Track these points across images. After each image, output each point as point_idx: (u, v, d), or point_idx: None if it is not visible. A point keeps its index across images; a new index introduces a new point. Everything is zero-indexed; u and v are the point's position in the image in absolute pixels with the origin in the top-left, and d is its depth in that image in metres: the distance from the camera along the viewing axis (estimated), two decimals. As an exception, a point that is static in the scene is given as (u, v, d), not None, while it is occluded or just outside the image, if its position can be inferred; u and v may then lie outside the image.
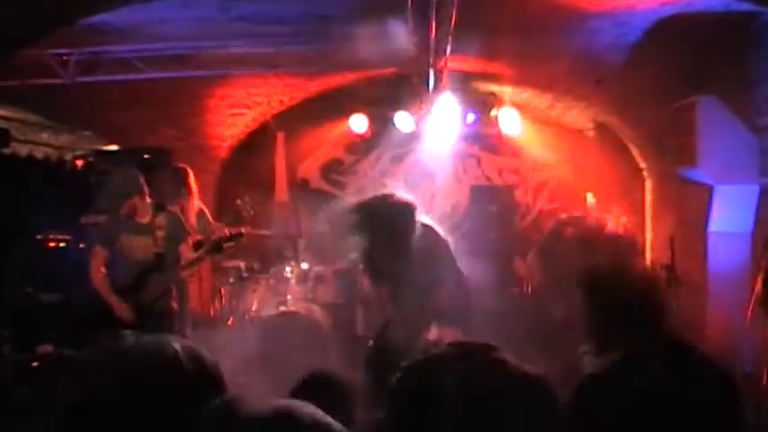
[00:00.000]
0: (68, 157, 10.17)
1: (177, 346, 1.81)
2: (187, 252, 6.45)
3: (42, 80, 8.07)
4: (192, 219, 7.54)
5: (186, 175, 7.66)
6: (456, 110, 10.15)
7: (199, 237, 7.29)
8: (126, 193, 6.20)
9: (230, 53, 8.35)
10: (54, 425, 1.69)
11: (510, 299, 9.02)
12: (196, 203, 7.72)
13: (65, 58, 8.07)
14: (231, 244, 6.62)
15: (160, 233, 6.29)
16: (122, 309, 6.14)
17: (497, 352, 1.64)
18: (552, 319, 6.23)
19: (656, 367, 2.23)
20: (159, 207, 6.39)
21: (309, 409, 1.63)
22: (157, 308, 6.27)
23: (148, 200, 6.33)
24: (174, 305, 6.49)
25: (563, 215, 7.40)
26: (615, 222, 7.16)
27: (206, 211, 7.82)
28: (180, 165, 7.88)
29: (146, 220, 6.31)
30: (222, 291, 9.43)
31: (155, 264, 6.27)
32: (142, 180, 6.30)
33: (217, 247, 6.49)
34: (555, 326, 6.15)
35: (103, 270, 6.26)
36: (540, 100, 10.79)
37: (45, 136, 10.21)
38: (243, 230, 6.91)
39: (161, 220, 6.34)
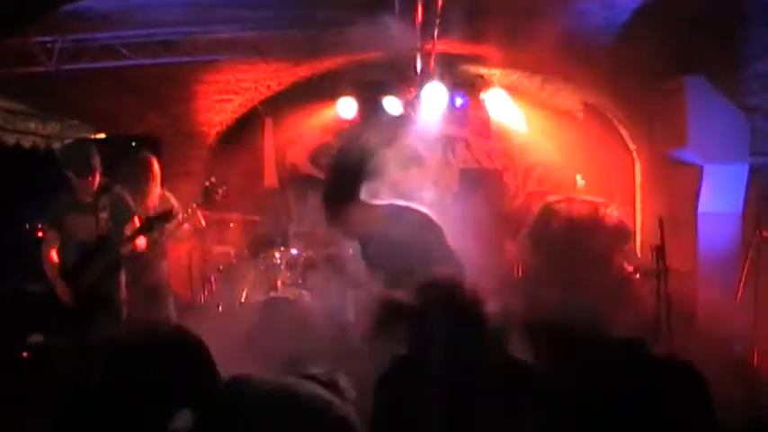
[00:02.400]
0: (56, 145, 10.11)
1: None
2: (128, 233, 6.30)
3: (27, 68, 8.00)
4: (152, 203, 7.36)
5: (148, 163, 7.51)
6: (444, 93, 10.13)
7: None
8: (74, 169, 6.07)
9: (217, 38, 8.32)
10: (47, 415, 1.68)
11: (503, 282, 9.00)
12: (157, 190, 7.53)
13: (49, 45, 8.01)
14: (162, 222, 6.45)
15: (103, 214, 6.17)
16: (63, 291, 6.07)
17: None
18: (544, 303, 6.22)
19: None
20: (104, 188, 6.23)
21: (310, 387, 1.64)
22: (100, 291, 6.19)
23: (97, 178, 6.17)
24: (121, 289, 6.37)
25: (551, 197, 7.38)
26: (604, 205, 7.14)
27: (170, 196, 7.65)
28: (143, 154, 7.68)
29: (89, 199, 6.16)
30: (212, 278, 9.45)
31: (97, 245, 6.17)
32: (93, 157, 6.13)
33: (147, 227, 6.29)
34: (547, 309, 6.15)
35: (54, 252, 6.18)
36: (530, 82, 10.75)
37: (32, 125, 10.14)
38: (173, 210, 6.71)
39: (104, 200, 6.21)
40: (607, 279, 2.49)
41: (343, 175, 5.17)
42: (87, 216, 6.15)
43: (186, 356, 1.68)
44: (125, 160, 7.24)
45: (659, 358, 2.14)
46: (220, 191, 7.45)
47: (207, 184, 7.52)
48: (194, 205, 7.35)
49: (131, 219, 6.37)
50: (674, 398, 1.97)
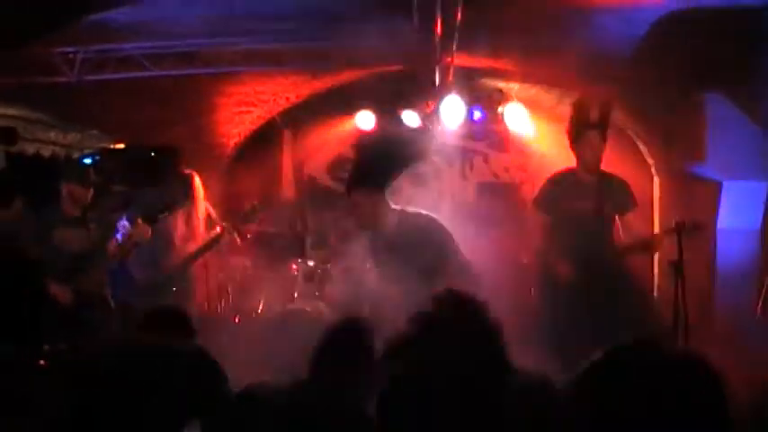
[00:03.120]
0: (75, 155, 10.15)
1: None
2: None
3: (49, 78, 8.06)
4: (198, 225, 7.55)
5: (191, 181, 7.64)
6: (462, 107, 10.12)
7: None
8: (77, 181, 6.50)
9: (236, 50, 8.34)
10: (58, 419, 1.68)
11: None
12: (202, 207, 7.69)
13: (71, 56, 8.05)
14: (212, 246, 7.16)
15: (93, 226, 6.57)
16: (60, 290, 6.25)
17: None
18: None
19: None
20: (93, 203, 6.68)
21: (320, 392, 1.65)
22: (95, 297, 6.51)
23: (90, 191, 6.53)
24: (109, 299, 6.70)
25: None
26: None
27: (212, 213, 7.84)
28: (187, 170, 7.85)
29: (77, 213, 6.52)
30: (229, 288, 9.46)
31: (91, 255, 6.50)
32: (92, 172, 6.56)
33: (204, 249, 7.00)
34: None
35: None
36: (548, 96, 10.72)
37: (52, 134, 10.17)
38: (222, 234, 7.43)
39: (94, 214, 6.62)
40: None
41: (376, 160, 5.25)
42: (77, 229, 6.51)
43: (199, 366, 1.69)
44: (167, 179, 7.69)
45: (676, 357, 2.10)
46: (260, 215, 7.93)
47: (249, 206, 7.75)
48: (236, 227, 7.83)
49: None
50: (690, 396, 1.94)
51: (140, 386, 1.67)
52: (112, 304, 6.70)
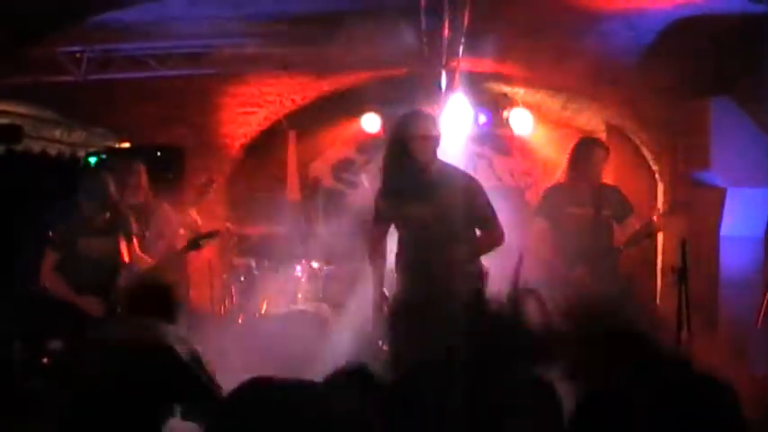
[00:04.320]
0: (81, 154, 10.17)
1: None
2: (130, 248, 6.76)
3: (55, 77, 8.08)
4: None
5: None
6: (468, 110, 10.10)
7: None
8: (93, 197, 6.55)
9: (242, 52, 8.35)
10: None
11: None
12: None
13: (77, 55, 8.07)
14: (204, 240, 7.03)
15: (119, 234, 6.65)
16: (89, 302, 6.40)
17: None
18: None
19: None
20: (115, 209, 6.68)
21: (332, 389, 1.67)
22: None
23: (114, 199, 6.61)
24: None
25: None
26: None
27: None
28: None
29: (101, 221, 6.59)
30: (233, 289, 9.43)
31: (117, 263, 6.64)
32: (110, 186, 6.58)
33: (192, 245, 6.94)
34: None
35: (54, 272, 6.55)
36: (553, 101, 10.72)
37: (58, 133, 10.20)
38: (217, 230, 7.49)
39: (118, 221, 6.69)
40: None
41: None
42: (101, 238, 6.58)
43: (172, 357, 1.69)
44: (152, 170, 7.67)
45: (699, 376, 2.13)
46: (214, 185, 7.92)
47: (205, 179, 7.96)
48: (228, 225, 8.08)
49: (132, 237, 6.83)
50: (712, 417, 1.96)
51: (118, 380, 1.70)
52: None
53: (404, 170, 5.41)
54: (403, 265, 5.72)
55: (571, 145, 7.30)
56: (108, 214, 6.61)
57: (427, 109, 10.54)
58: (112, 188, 6.58)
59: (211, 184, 7.90)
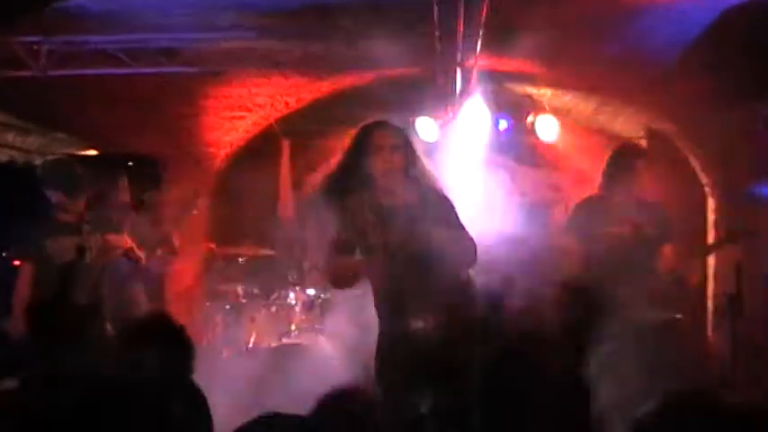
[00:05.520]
0: (38, 161, 10.11)
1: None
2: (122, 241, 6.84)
3: (9, 72, 8.02)
4: None
5: None
6: (487, 115, 10.07)
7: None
8: (62, 189, 6.50)
9: (229, 47, 8.32)
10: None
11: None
12: None
13: (35, 47, 7.99)
14: None
15: (89, 233, 6.53)
16: (30, 323, 6.30)
17: None
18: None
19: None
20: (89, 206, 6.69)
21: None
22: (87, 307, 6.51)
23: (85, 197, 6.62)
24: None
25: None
26: None
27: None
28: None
29: (71, 219, 6.53)
30: (217, 319, 9.41)
31: (85, 265, 6.47)
32: (81, 174, 6.58)
33: None
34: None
35: (28, 284, 6.44)
36: (585, 104, 10.68)
37: (10, 137, 10.16)
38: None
39: (90, 217, 6.63)
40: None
41: None
42: (72, 237, 6.43)
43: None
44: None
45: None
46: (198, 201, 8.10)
47: (191, 191, 7.84)
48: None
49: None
50: None
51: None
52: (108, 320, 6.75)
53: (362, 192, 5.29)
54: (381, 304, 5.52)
55: (607, 154, 7.24)
56: (80, 204, 6.59)
57: (441, 114, 10.63)
58: (84, 178, 6.61)
59: (196, 199, 7.91)
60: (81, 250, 6.35)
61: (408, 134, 5.52)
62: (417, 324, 4.97)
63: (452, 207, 5.33)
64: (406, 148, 5.30)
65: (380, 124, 5.40)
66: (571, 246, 6.91)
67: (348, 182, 5.32)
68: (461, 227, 5.30)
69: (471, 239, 5.28)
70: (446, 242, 5.13)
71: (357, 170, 5.29)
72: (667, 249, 6.78)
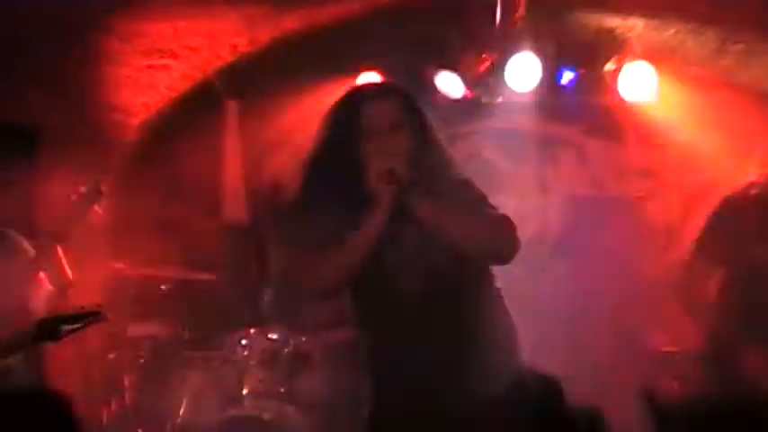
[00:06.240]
0: None
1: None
2: None
3: None
4: None
5: None
6: (540, 63, 10.07)
7: None
8: None
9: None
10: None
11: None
12: None
13: None
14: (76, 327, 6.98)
15: None
16: None
17: None
18: None
19: None
20: None
21: None
22: None
23: None
24: None
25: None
26: None
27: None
28: None
29: None
30: (125, 380, 9.30)
31: None
32: None
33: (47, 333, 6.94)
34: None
35: None
36: (697, 42, 10.37)
37: None
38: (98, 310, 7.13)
39: None
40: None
41: None
42: None
43: None
44: None
45: None
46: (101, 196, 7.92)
47: (92, 183, 7.94)
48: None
49: None
50: None
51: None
52: None
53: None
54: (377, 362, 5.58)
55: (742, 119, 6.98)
56: None
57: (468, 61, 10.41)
58: None
59: (95, 193, 7.86)
60: None
61: (415, 102, 5.44)
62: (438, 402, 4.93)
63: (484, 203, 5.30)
64: (412, 125, 5.27)
65: (372, 93, 5.44)
66: (706, 272, 6.70)
67: (333, 173, 5.39)
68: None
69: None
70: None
71: (340, 159, 5.36)
72: None
